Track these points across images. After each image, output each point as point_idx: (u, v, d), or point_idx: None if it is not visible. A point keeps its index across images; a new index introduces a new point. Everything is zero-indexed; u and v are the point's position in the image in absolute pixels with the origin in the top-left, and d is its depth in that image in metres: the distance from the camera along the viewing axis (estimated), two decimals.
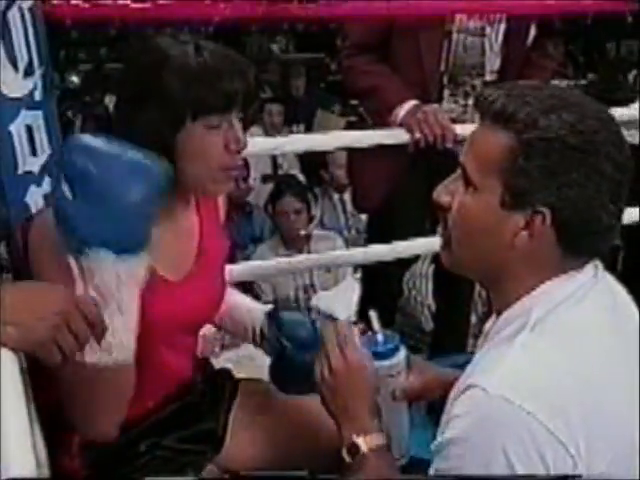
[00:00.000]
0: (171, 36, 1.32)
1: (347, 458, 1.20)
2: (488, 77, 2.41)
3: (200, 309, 1.46)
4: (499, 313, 1.15)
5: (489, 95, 1.11)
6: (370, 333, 1.35)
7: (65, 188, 1.04)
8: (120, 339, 1.10)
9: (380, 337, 1.34)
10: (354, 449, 1.19)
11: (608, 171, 1.06)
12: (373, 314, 1.36)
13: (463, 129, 2.21)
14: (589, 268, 1.14)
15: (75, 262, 1.05)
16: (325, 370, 1.25)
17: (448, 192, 1.16)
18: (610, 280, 1.19)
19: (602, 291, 1.14)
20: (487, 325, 1.21)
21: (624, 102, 2.97)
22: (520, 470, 0.99)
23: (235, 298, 1.66)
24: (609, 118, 1.10)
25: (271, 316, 1.58)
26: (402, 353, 1.35)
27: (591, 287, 1.12)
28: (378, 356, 1.32)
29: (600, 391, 1.04)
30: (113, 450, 1.37)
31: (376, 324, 1.36)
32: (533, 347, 1.05)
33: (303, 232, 3.69)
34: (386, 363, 1.33)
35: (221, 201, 1.55)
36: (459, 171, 1.15)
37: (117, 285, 1.07)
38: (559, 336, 1.07)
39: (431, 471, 1.08)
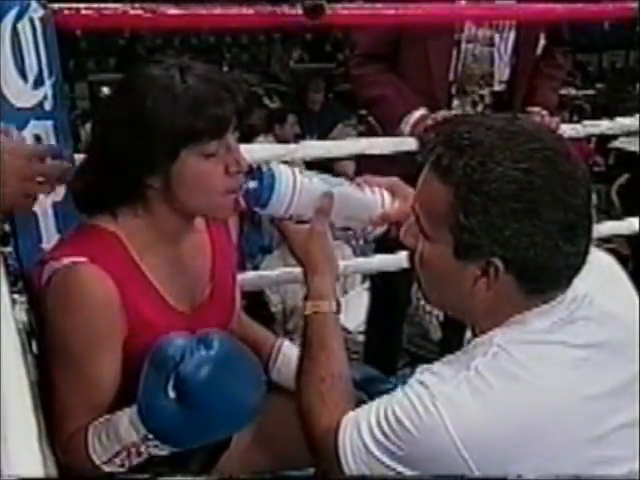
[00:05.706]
0: (158, 62, 1.29)
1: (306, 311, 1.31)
2: (497, 87, 2.40)
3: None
4: (475, 334, 1.17)
5: (429, 141, 1.11)
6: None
7: (170, 386, 1.12)
8: None
9: (251, 183, 1.34)
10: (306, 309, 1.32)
11: (556, 216, 1.04)
12: None
13: None
14: (566, 301, 1.12)
15: (136, 434, 1.18)
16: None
17: (412, 234, 1.17)
18: (600, 310, 1.15)
19: (579, 327, 1.12)
20: (468, 334, 1.23)
21: (632, 112, 2.97)
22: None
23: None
24: (558, 155, 1.06)
25: None
26: (273, 163, 1.35)
27: (564, 324, 1.11)
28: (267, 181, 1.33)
29: (540, 435, 1.05)
30: None
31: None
32: (482, 377, 1.07)
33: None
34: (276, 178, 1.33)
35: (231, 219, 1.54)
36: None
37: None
38: (511, 374, 1.07)
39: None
